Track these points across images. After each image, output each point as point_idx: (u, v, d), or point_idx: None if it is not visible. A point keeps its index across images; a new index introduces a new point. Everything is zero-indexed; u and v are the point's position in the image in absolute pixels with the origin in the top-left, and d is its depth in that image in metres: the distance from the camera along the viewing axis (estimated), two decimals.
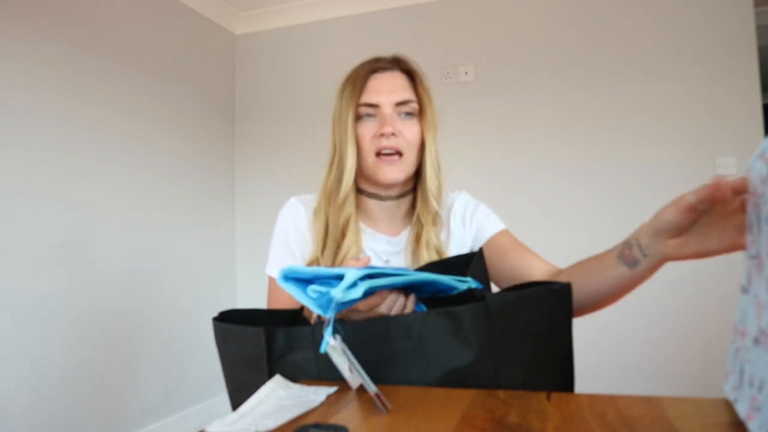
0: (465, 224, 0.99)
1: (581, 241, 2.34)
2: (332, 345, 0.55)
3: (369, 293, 0.60)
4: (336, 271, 0.58)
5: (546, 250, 2.40)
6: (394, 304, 0.67)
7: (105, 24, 2.20)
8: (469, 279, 0.69)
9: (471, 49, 2.55)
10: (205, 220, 2.72)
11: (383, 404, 0.51)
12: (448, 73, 2.55)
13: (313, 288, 0.58)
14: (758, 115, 2.16)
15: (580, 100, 2.38)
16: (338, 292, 0.55)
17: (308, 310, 0.80)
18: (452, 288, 0.68)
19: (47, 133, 1.93)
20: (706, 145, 2.20)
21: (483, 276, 0.78)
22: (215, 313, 0.72)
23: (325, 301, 0.56)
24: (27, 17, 1.88)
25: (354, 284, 0.56)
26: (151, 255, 2.37)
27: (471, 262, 0.77)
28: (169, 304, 2.44)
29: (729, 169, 2.15)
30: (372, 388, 0.51)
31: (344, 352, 0.55)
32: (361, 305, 0.65)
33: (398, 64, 0.97)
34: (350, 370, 0.55)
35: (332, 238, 0.92)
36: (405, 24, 2.67)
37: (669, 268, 2.50)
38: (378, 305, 0.65)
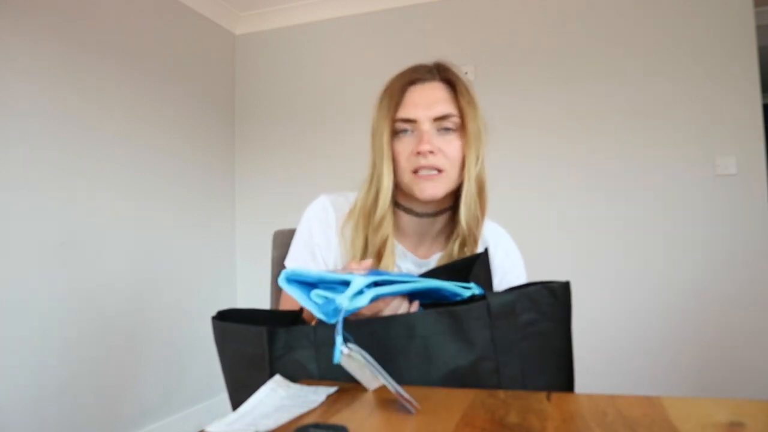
0: (497, 272, 0.93)
1: (581, 239, 2.34)
2: (346, 354, 0.53)
3: (373, 300, 0.60)
4: (341, 276, 0.57)
5: (547, 248, 2.41)
6: (397, 310, 0.67)
7: (105, 24, 2.20)
8: (472, 285, 0.69)
9: (471, 49, 2.55)
10: (205, 220, 2.72)
11: (410, 404, 0.50)
12: None
13: (317, 293, 0.57)
14: (758, 115, 2.16)
15: (579, 101, 2.38)
16: (344, 300, 0.54)
17: (308, 312, 0.80)
18: (456, 295, 0.68)
19: (47, 133, 1.93)
20: (706, 145, 2.20)
21: (486, 277, 0.78)
22: (215, 313, 0.72)
23: (331, 309, 0.55)
24: (27, 17, 1.88)
25: (360, 292, 0.55)
26: (151, 255, 2.37)
27: (475, 264, 0.77)
28: (169, 304, 2.44)
29: (729, 168, 2.15)
30: (398, 389, 0.50)
31: (363, 357, 0.53)
32: (365, 310, 0.64)
33: (438, 73, 0.90)
34: (372, 375, 0.53)
35: (370, 257, 0.88)
36: (405, 24, 2.67)
37: (669, 268, 2.50)
38: (381, 310, 0.65)
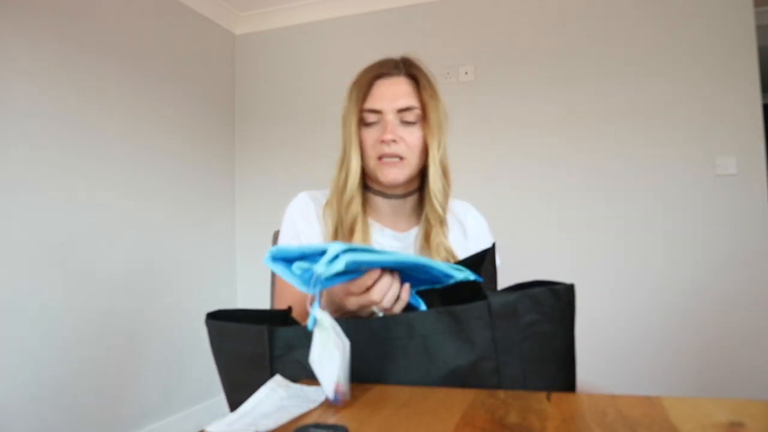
0: (470, 242, 1.03)
1: (581, 239, 2.34)
2: (319, 319, 0.54)
3: (355, 269, 0.60)
4: (320, 246, 0.57)
5: (547, 248, 2.41)
6: (388, 290, 0.66)
7: (105, 24, 2.20)
8: (466, 269, 0.68)
9: (471, 49, 2.55)
10: (205, 220, 2.72)
11: (341, 396, 0.51)
12: (448, 73, 2.55)
13: (298, 265, 0.58)
14: (758, 115, 2.16)
15: (579, 101, 2.38)
16: (320, 266, 0.54)
17: (299, 312, 0.80)
18: (448, 276, 0.67)
19: (47, 133, 1.93)
20: (706, 145, 2.20)
21: (492, 272, 0.77)
22: (206, 315, 0.71)
23: (308, 278, 0.55)
24: (27, 17, 1.88)
25: (336, 257, 0.55)
26: (151, 255, 2.37)
27: (484, 262, 0.76)
28: (169, 305, 2.44)
29: (729, 168, 2.15)
30: (342, 379, 0.51)
31: (335, 329, 0.53)
32: (353, 287, 0.64)
33: (404, 68, 0.98)
34: (329, 359, 0.53)
35: (342, 233, 0.95)
36: (405, 24, 2.67)
37: (669, 268, 2.50)
38: (369, 287, 0.64)
